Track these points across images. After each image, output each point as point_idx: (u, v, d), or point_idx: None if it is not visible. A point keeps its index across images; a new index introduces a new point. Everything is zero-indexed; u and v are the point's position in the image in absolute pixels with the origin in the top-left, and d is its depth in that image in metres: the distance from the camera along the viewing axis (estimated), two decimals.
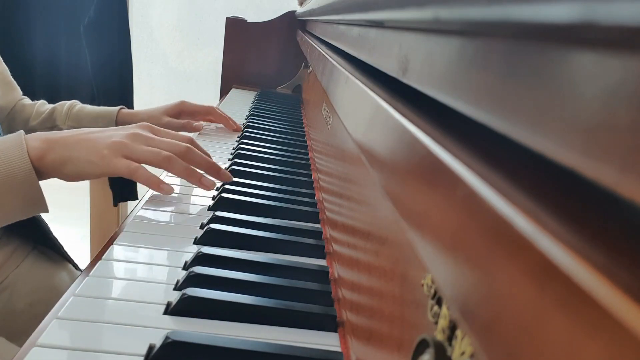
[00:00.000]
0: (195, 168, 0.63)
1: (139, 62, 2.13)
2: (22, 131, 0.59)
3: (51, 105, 0.97)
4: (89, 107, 0.97)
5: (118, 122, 0.95)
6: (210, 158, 0.67)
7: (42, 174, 0.57)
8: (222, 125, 1.08)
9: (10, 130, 0.92)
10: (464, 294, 0.19)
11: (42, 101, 0.98)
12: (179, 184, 0.74)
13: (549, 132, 0.15)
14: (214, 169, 0.65)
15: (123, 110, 0.96)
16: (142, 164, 0.59)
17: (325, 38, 0.94)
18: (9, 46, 1.46)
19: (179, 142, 0.62)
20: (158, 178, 0.60)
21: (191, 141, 0.65)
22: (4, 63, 0.92)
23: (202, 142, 0.96)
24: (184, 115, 1.01)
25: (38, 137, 0.58)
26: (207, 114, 1.04)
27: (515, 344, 0.15)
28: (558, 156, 0.14)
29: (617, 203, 0.15)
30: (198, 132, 1.00)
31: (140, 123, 0.63)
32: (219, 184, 0.68)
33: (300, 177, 0.80)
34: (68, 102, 0.97)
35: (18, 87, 0.96)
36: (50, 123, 0.95)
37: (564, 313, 0.13)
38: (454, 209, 0.21)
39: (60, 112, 0.95)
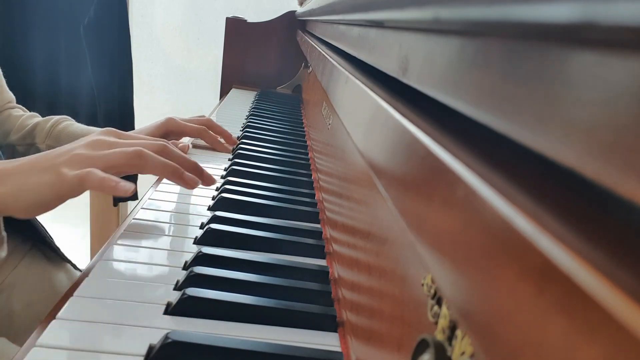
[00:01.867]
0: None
1: (139, 62, 2.13)
2: None
3: (37, 120, 0.87)
4: (74, 127, 0.86)
5: None
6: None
7: None
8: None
9: None
10: (464, 294, 0.19)
11: (32, 114, 0.90)
12: None
13: (549, 132, 0.15)
14: (197, 170, 0.57)
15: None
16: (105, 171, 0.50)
17: (325, 38, 0.94)
18: (9, 47, 1.46)
19: (151, 140, 0.54)
20: (113, 179, 0.48)
21: (165, 141, 0.57)
22: None
23: (201, 143, 0.96)
24: (172, 135, 0.88)
25: None
26: (198, 135, 0.90)
27: (515, 344, 0.15)
28: (558, 156, 0.14)
29: (617, 203, 0.15)
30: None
31: (103, 129, 0.55)
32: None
33: (300, 177, 0.80)
34: (54, 118, 0.87)
35: (9, 93, 0.89)
36: (30, 139, 0.85)
37: (564, 313, 0.13)
38: (454, 209, 0.21)
39: (41, 129, 0.85)
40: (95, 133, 0.54)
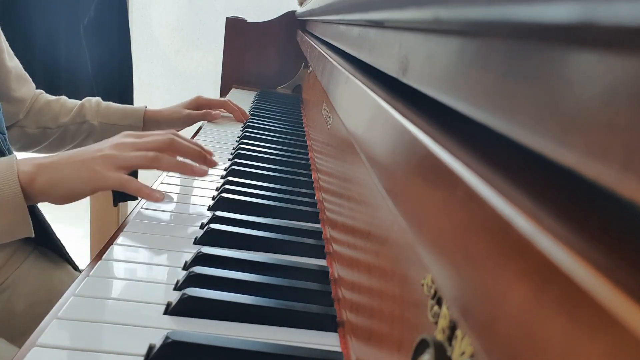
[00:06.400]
0: (185, 160, 0.67)
1: (139, 62, 2.12)
2: (14, 155, 0.60)
3: (74, 101, 1.02)
4: (115, 105, 1.03)
5: (145, 120, 1.02)
6: (197, 146, 0.70)
7: (30, 198, 0.57)
8: (220, 128, 1.09)
9: (38, 126, 0.98)
10: (464, 294, 0.19)
11: (63, 97, 1.02)
12: (178, 184, 0.74)
13: (549, 132, 0.15)
14: (201, 157, 0.70)
15: (148, 109, 1.04)
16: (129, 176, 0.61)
17: (325, 38, 0.94)
18: (9, 46, 1.46)
19: (161, 136, 0.65)
20: (149, 188, 0.62)
21: (173, 133, 0.68)
22: (15, 58, 0.95)
23: (203, 143, 0.96)
24: (200, 108, 1.09)
25: (29, 162, 0.58)
26: (221, 106, 1.14)
27: (515, 344, 0.15)
28: (558, 156, 0.14)
29: (617, 203, 0.15)
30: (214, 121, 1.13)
31: (123, 132, 0.66)
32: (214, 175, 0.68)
33: (300, 177, 0.80)
34: (94, 99, 1.02)
35: (31, 80, 0.99)
36: (80, 119, 0.99)
37: (564, 313, 0.13)
38: (454, 208, 0.21)
39: (89, 109, 1.00)
40: (119, 135, 0.65)
